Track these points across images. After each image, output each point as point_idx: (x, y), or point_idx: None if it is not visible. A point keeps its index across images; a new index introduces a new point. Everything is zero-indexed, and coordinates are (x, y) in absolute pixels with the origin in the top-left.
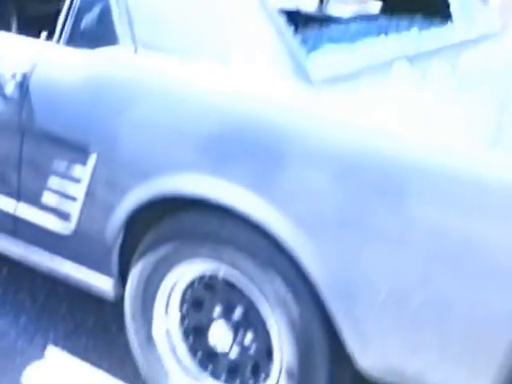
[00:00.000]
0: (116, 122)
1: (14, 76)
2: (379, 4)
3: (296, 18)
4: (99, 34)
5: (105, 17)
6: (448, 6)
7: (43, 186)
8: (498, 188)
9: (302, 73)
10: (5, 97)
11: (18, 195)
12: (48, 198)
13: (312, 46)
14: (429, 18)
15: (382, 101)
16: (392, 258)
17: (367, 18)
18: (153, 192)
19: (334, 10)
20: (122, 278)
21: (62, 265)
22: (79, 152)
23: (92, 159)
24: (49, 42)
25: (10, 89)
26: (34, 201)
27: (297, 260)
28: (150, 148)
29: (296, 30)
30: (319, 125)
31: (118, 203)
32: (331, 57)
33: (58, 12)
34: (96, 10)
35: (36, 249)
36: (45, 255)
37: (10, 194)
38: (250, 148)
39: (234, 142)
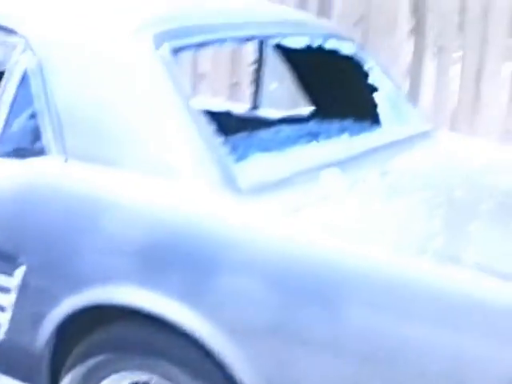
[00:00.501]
0: (45, 232)
1: None
2: (311, 109)
3: (226, 121)
4: (28, 144)
5: (34, 126)
6: (378, 109)
7: None
8: (428, 292)
9: (230, 181)
10: None
11: None
12: None
13: (241, 153)
14: (359, 122)
15: (311, 208)
16: (325, 362)
17: (298, 121)
18: (83, 302)
19: (265, 115)
20: None
21: None
22: (8, 262)
23: (21, 269)
24: None
25: None
26: None
27: (229, 369)
28: (80, 258)
29: (225, 133)
30: (248, 233)
31: (48, 313)
32: (260, 164)
33: None
34: (25, 120)
35: None
36: None
37: None
38: (179, 258)
39: (163, 253)
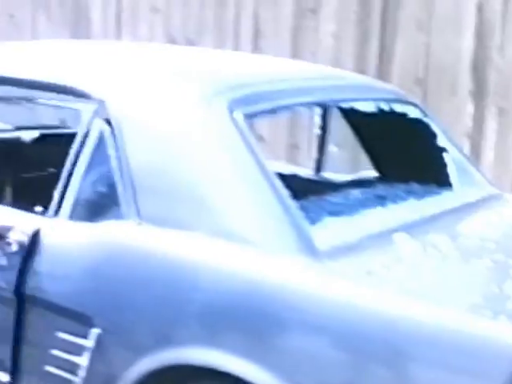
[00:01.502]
0: (118, 295)
1: (16, 247)
2: (373, 173)
3: (293, 184)
4: (102, 208)
5: (108, 190)
6: (443, 172)
7: (43, 359)
8: (504, 353)
9: (307, 244)
10: (5, 268)
11: (15, 369)
12: (48, 371)
13: (314, 216)
14: (425, 185)
15: (385, 270)
16: None
17: (363, 184)
18: (155, 364)
19: (331, 179)
20: None
21: None
22: (83, 324)
23: (95, 331)
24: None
25: (12, 261)
26: (33, 374)
27: None
28: (152, 321)
29: (295, 196)
30: (326, 295)
31: (121, 375)
32: (334, 227)
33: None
34: (99, 183)
35: None
36: None
37: (4, 369)
38: (247, 319)
39: (233, 314)
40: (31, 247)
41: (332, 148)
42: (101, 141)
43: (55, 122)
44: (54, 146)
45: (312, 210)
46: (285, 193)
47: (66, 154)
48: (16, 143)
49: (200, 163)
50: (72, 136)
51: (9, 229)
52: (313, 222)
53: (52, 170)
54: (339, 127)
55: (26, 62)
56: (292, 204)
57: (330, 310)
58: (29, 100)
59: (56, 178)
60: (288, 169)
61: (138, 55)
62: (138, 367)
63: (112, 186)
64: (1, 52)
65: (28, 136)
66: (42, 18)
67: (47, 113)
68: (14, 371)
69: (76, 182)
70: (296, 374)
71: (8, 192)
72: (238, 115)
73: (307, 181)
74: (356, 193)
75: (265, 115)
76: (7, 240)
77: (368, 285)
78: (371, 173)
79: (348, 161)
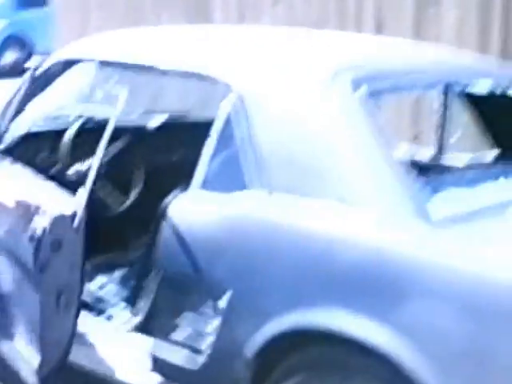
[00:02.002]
0: (249, 260)
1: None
2: (495, 152)
3: (414, 162)
4: (232, 181)
5: (237, 165)
6: None
7: (177, 322)
8: None
9: (422, 213)
10: None
11: (152, 331)
12: (180, 334)
13: (431, 189)
14: None
15: (500, 240)
16: None
17: (484, 163)
18: (284, 326)
19: (450, 158)
20: None
21: None
22: (215, 288)
23: (227, 295)
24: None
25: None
26: (167, 336)
27: None
28: (283, 285)
29: (416, 172)
30: (441, 261)
31: (251, 337)
32: (449, 199)
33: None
34: (228, 156)
35: None
36: None
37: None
38: (375, 283)
39: (360, 278)
40: (165, 217)
41: (452, 129)
42: (229, 119)
43: (183, 107)
44: (183, 128)
45: (430, 184)
46: (404, 166)
47: (196, 134)
48: (146, 128)
49: (325, 136)
50: (201, 118)
51: None
52: (430, 193)
53: (182, 150)
54: (461, 108)
55: (152, 49)
56: (410, 176)
57: (448, 276)
58: (157, 86)
59: (186, 156)
60: (408, 147)
61: (260, 39)
62: (265, 330)
63: (240, 160)
64: (127, 39)
65: (157, 121)
66: (164, 16)
67: (175, 98)
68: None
69: (206, 158)
70: (417, 339)
71: (141, 172)
72: (361, 93)
73: (427, 158)
74: (474, 170)
75: (387, 93)
76: None
77: (483, 253)
78: (491, 152)
79: (468, 140)
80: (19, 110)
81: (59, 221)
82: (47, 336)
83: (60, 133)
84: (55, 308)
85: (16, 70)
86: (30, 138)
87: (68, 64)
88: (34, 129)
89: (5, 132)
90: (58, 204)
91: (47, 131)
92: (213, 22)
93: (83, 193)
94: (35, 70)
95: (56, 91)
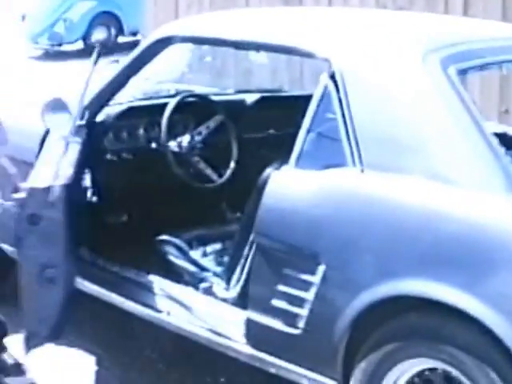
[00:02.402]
0: (343, 234)
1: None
2: None
3: (504, 139)
4: (327, 157)
5: (332, 141)
6: None
7: (273, 291)
8: None
9: None
10: None
11: (249, 299)
12: (276, 305)
13: None
14: None
15: None
16: None
17: None
18: (379, 295)
19: None
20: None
21: (287, 367)
22: (309, 261)
23: (322, 267)
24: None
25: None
26: (262, 308)
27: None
28: (377, 256)
29: (504, 146)
30: None
31: (346, 306)
32: None
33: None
34: (323, 135)
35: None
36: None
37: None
38: (466, 255)
39: (454, 250)
40: (264, 191)
41: None
42: (325, 95)
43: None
44: (279, 102)
45: None
46: (494, 141)
47: (293, 109)
48: (243, 103)
49: (417, 114)
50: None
51: None
52: None
53: (278, 124)
54: None
55: (251, 26)
56: (501, 151)
57: None
58: (254, 61)
59: (282, 131)
60: (498, 126)
61: (356, 17)
62: (361, 299)
63: (336, 137)
64: (225, 18)
65: (254, 95)
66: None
67: (271, 72)
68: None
69: (302, 133)
70: (505, 308)
71: (237, 147)
72: (451, 71)
73: None
74: None
75: (476, 71)
76: None
77: None
78: None
79: None
80: (117, 87)
81: (33, 194)
82: (29, 308)
83: (159, 108)
84: (37, 281)
85: (106, 49)
86: (130, 113)
87: (167, 42)
88: (135, 103)
89: (102, 107)
90: (42, 178)
91: (147, 106)
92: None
93: (64, 165)
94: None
95: (155, 68)
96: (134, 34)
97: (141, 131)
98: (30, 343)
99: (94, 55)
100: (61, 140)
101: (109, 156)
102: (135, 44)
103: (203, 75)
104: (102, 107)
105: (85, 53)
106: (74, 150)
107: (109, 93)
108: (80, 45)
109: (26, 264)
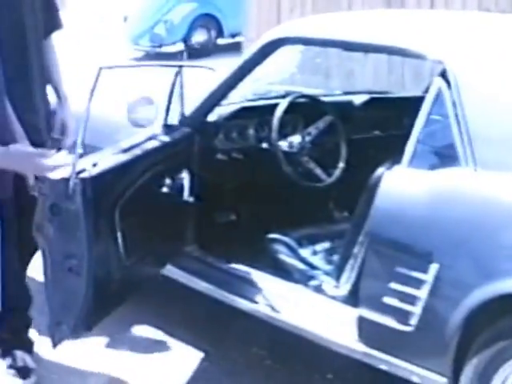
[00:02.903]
0: (457, 233)
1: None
2: None
3: None
4: (440, 157)
5: (445, 141)
6: None
7: (385, 288)
8: None
9: None
10: None
11: (360, 297)
12: (387, 303)
13: None
14: None
15: None
16: None
17: None
18: (494, 292)
19: None
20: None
21: (398, 364)
22: (422, 260)
23: (435, 265)
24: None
25: None
26: (374, 306)
27: None
28: (492, 254)
29: None
30: None
31: (459, 304)
32: None
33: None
34: (436, 136)
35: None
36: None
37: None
38: None
39: None
40: (377, 190)
41: None
42: (438, 96)
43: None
44: (389, 103)
45: None
46: None
47: (399, 110)
48: (352, 104)
49: None
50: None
51: None
52: None
53: (387, 124)
54: None
55: (362, 27)
56: None
57: None
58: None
59: (392, 131)
60: None
61: (462, 20)
62: (471, 299)
63: (449, 137)
64: (339, 19)
65: (363, 96)
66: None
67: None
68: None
69: (415, 133)
70: None
71: (346, 148)
72: None
73: None
74: None
75: None
76: None
77: None
78: None
79: None
80: (229, 88)
81: (53, 185)
82: (53, 297)
83: (269, 108)
84: (59, 271)
85: (205, 51)
86: (241, 113)
87: (278, 43)
88: (246, 104)
89: (213, 107)
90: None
91: (257, 106)
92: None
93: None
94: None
95: (267, 69)
96: (234, 36)
97: (251, 131)
98: (56, 334)
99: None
100: (146, 138)
101: (219, 155)
102: (235, 46)
103: (308, 76)
104: (213, 107)
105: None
106: (157, 148)
107: (220, 93)
108: (180, 46)
109: (49, 253)
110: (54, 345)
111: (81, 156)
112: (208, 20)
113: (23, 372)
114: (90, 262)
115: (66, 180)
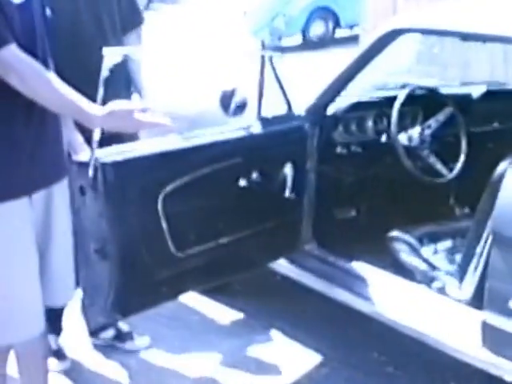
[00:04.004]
0: None
1: None
2: None
3: None
4: None
5: None
6: None
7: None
8: None
9: None
10: None
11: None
12: None
13: None
14: None
15: None
16: None
17: None
18: None
19: None
20: None
21: None
22: None
23: None
24: None
25: None
26: (502, 305)
27: None
28: None
29: None
30: None
31: None
32: None
33: None
34: None
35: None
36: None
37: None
38: None
39: None
40: (499, 186)
41: None
42: None
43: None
44: (505, 96)
45: None
46: None
47: None
48: (470, 96)
49: None
50: None
51: None
52: None
53: (503, 119)
54: None
55: (479, 17)
56: None
57: None
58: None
59: (506, 125)
60: None
61: None
62: None
63: None
64: (459, 9)
65: (481, 88)
66: None
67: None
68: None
69: None
70: None
71: (465, 142)
72: None
73: None
74: None
75: None
76: None
77: None
78: None
79: None
80: (347, 80)
81: (77, 168)
82: (85, 277)
83: (388, 100)
84: (89, 252)
85: (323, 43)
86: (359, 105)
87: (397, 34)
88: (365, 96)
89: (332, 99)
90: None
91: (376, 98)
92: None
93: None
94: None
95: (384, 60)
96: (351, 27)
97: (369, 124)
98: (89, 316)
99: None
100: (238, 129)
101: (338, 149)
102: (352, 38)
103: (425, 67)
104: (332, 100)
105: (303, 47)
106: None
107: (339, 85)
108: (298, 39)
109: (79, 233)
110: (90, 328)
111: None
112: (325, 12)
113: (58, 355)
114: (114, 247)
115: (87, 164)
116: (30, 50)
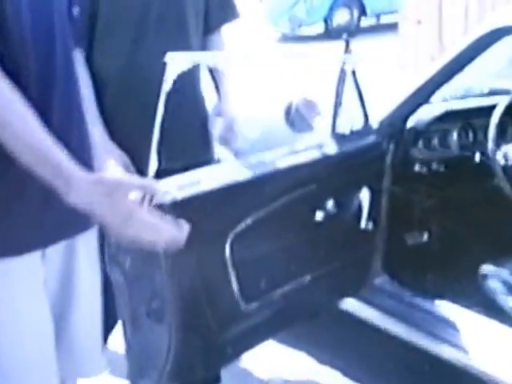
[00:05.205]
0: None
1: None
2: None
3: None
4: None
5: None
6: None
7: None
8: None
9: None
10: None
11: None
12: None
13: None
14: None
15: None
16: None
17: None
18: None
19: None
20: None
21: None
22: None
23: None
24: None
25: None
26: None
27: None
28: None
29: None
30: None
31: None
32: None
33: None
34: None
35: None
36: None
37: None
38: None
39: None
40: None
41: None
42: None
43: None
44: None
45: None
46: None
47: None
48: None
49: None
50: None
51: None
52: None
53: None
54: None
55: None
56: None
57: None
58: None
59: None
60: None
61: None
62: None
63: None
64: None
65: None
66: None
67: None
68: None
69: None
70: None
71: None
72: None
73: None
74: None
75: None
76: None
77: None
78: None
79: None
80: (438, 85)
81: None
82: (132, 343)
83: (476, 109)
84: (139, 314)
85: (347, 32)
86: (444, 115)
87: (504, 33)
88: (451, 105)
89: (417, 108)
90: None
91: (460, 109)
92: None
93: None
94: None
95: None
96: (378, 15)
97: (454, 137)
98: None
99: None
100: (310, 149)
101: (417, 167)
102: (379, 28)
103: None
104: (414, 111)
105: (325, 35)
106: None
107: (425, 94)
108: (320, 27)
109: (125, 290)
110: None
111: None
112: (349, 0)
113: None
114: (174, 307)
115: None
116: (45, 51)
